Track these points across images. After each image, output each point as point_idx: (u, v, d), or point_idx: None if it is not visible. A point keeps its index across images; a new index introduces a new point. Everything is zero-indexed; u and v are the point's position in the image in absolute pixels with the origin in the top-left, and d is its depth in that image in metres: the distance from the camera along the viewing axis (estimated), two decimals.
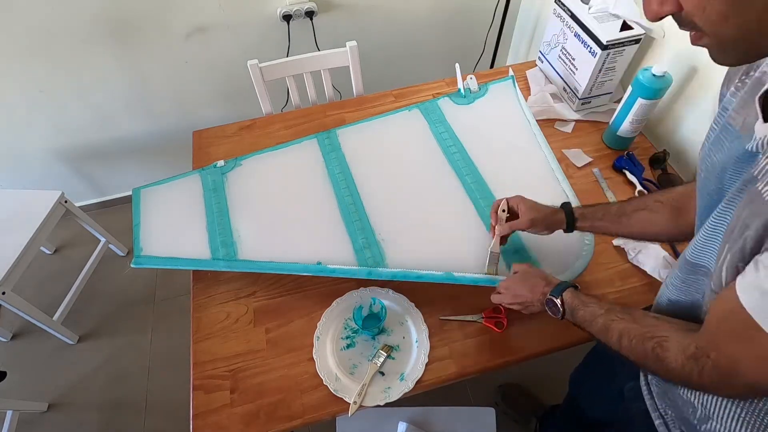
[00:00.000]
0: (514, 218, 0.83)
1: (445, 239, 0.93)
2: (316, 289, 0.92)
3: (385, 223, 0.95)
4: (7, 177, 1.75)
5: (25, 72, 1.43)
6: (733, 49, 0.39)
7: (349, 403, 0.78)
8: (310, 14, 1.49)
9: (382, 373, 0.81)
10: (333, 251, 0.91)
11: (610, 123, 1.12)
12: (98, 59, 1.45)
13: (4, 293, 1.33)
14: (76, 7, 1.31)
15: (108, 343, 1.64)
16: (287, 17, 1.47)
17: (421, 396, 0.84)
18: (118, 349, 1.63)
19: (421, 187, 1.02)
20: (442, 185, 1.02)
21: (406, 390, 0.79)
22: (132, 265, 0.93)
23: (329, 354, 0.83)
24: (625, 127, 1.08)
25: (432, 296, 0.90)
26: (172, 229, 0.98)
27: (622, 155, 1.10)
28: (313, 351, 0.84)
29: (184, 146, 1.34)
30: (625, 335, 0.56)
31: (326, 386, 0.79)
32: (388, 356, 0.83)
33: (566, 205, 0.81)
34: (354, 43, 1.30)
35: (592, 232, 0.82)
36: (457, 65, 1.23)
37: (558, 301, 0.67)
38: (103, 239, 1.76)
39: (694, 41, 0.40)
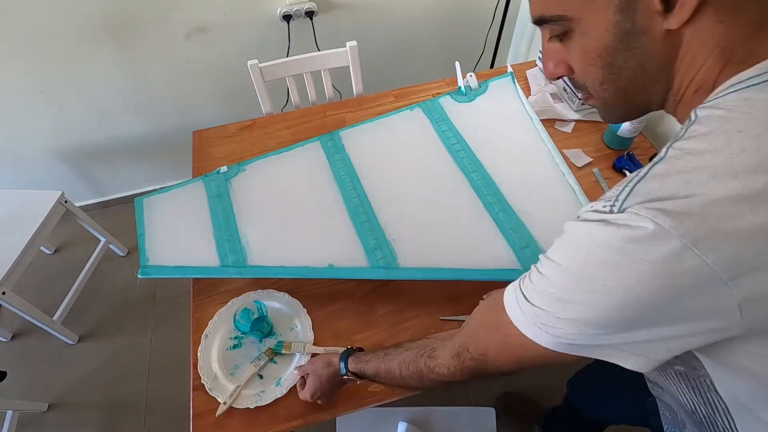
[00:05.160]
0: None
1: (455, 237, 0.92)
2: (316, 289, 0.93)
3: (394, 223, 0.94)
4: (7, 177, 1.75)
5: (26, 72, 1.43)
6: (613, 109, 0.45)
7: (220, 403, 0.78)
8: (310, 14, 1.49)
9: (261, 376, 0.82)
10: (344, 253, 0.91)
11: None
12: (98, 59, 1.45)
13: (4, 293, 1.33)
14: (76, 8, 1.31)
15: (108, 343, 1.64)
16: (287, 17, 1.47)
17: (421, 396, 0.84)
18: (118, 349, 1.63)
19: (428, 185, 1.02)
20: (448, 183, 1.01)
21: (279, 395, 0.78)
22: (139, 276, 0.91)
23: (214, 353, 0.84)
24: (625, 127, 1.08)
25: (432, 296, 0.90)
26: (178, 237, 0.96)
27: (622, 155, 1.10)
28: (198, 349, 0.84)
29: (184, 146, 1.34)
30: (402, 366, 0.58)
31: (203, 385, 0.80)
32: (271, 360, 0.83)
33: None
34: (354, 43, 1.30)
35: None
36: (457, 63, 1.23)
37: (348, 376, 0.69)
38: (103, 239, 1.76)
39: (585, 101, 0.46)
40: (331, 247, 0.92)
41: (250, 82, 1.30)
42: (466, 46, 1.80)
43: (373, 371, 0.64)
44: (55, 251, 1.89)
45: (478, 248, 0.90)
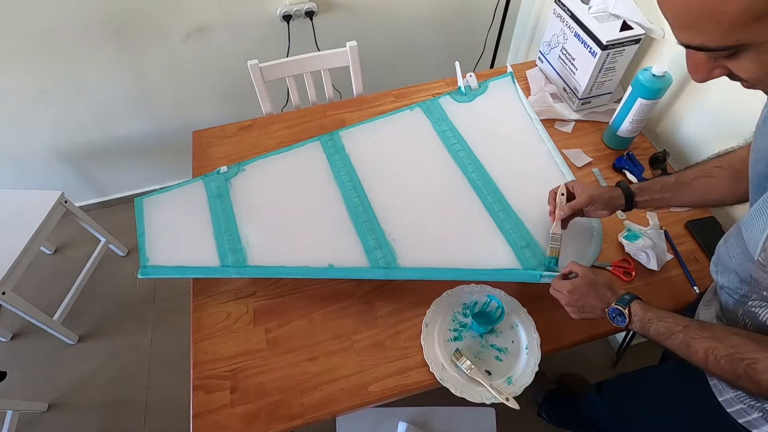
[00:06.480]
0: (571, 200, 0.84)
1: (455, 237, 0.93)
2: (316, 289, 0.93)
3: (394, 223, 0.95)
4: (7, 177, 1.75)
5: (26, 72, 1.43)
6: None
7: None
8: (310, 14, 1.49)
9: (489, 372, 0.82)
10: (344, 253, 0.91)
11: (610, 123, 1.12)
12: (98, 59, 1.45)
13: (4, 293, 1.33)
14: (77, 8, 1.31)
15: (108, 343, 1.64)
16: (287, 17, 1.47)
17: (421, 396, 0.84)
18: (118, 349, 1.63)
19: (428, 185, 1.02)
20: (448, 183, 1.02)
21: (515, 394, 0.78)
22: (139, 276, 0.91)
23: (436, 343, 0.84)
24: (625, 127, 1.08)
25: (432, 296, 0.89)
26: (178, 237, 0.97)
27: (622, 155, 1.10)
28: (421, 337, 0.84)
29: (184, 146, 1.34)
30: (711, 354, 0.56)
31: (432, 373, 0.80)
32: (496, 358, 0.84)
33: (621, 183, 0.82)
34: (354, 43, 1.30)
35: (652, 207, 0.83)
36: (457, 63, 1.23)
37: (625, 312, 0.67)
38: (103, 239, 1.76)
39: (746, 87, 0.44)
40: (331, 247, 0.92)
41: (250, 82, 1.30)
42: (466, 46, 1.80)
43: (662, 332, 0.62)
44: (55, 251, 1.89)
45: (477, 248, 0.91)
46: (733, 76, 0.43)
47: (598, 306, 0.70)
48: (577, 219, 0.90)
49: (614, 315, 0.68)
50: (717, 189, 0.74)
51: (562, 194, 0.86)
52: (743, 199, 0.72)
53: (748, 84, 0.44)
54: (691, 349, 0.58)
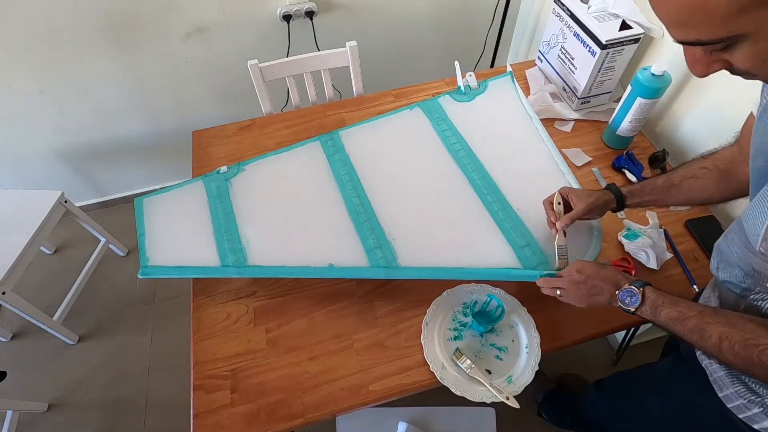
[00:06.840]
0: (567, 209, 0.85)
1: (455, 236, 0.93)
2: (316, 288, 0.93)
3: (394, 222, 0.95)
4: (7, 177, 1.75)
5: (26, 72, 1.43)
6: None
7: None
8: (310, 14, 1.49)
9: (489, 371, 0.82)
10: (344, 253, 0.91)
11: (610, 122, 1.13)
12: (98, 59, 1.45)
13: (4, 293, 1.33)
14: (77, 8, 1.31)
15: (108, 343, 1.64)
16: (287, 17, 1.48)
17: (421, 396, 0.84)
18: (118, 349, 1.63)
19: (428, 185, 1.02)
20: (448, 182, 1.02)
21: (515, 393, 0.78)
22: (139, 276, 0.91)
23: (436, 342, 0.84)
24: (625, 127, 1.08)
25: (432, 296, 0.89)
26: (179, 237, 0.97)
27: (621, 154, 1.10)
28: (422, 336, 0.84)
29: (184, 146, 1.34)
30: (725, 339, 0.55)
31: (432, 373, 0.80)
32: (497, 357, 0.84)
33: (612, 186, 0.84)
34: (354, 43, 1.30)
35: (642, 207, 0.86)
36: (456, 62, 1.23)
37: (639, 292, 0.66)
38: (103, 239, 1.76)
39: (746, 78, 0.45)
40: (331, 247, 0.92)
41: (250, 82, 1.30)
42: (466, 47, 1.80)
43: (674, 317, 0.61)
44: (55, 251, 1.89)
45: (477, 247, 0.91)
46: (732, 70, 0.44)
47: (606, 288, 0.70)
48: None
49: (626, 297, 0.67)
50: (704, 189, 0.76)
51: (559, 203, 0.86)
52: (729, 197, 0.74)
53: (749, 75, 0.44)
54: (704, 334, 0.58)
